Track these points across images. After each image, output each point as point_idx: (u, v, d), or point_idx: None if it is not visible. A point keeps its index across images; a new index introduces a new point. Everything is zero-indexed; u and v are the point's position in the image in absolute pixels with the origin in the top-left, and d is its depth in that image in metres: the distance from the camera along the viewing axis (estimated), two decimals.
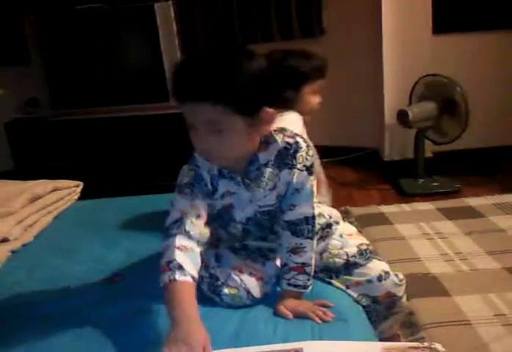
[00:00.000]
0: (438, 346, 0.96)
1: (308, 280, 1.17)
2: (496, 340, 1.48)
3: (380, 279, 1.25)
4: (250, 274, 1.20)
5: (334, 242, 1.31)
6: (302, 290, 1.17)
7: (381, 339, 1.25)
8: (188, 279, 1.01)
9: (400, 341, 1.43)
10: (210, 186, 1.14)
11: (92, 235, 1.66)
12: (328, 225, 1.32)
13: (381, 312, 1.29)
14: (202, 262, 1.08)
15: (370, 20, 3.18)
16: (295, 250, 1.17)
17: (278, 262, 1.27)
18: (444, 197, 2.74)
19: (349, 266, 1.28)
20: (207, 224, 1.13)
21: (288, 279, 1.17)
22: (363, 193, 2.99)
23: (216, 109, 0.98)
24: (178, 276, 1.00)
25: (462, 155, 3.16)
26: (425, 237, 2.26)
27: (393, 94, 3.16)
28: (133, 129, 3.17)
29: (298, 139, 1.15)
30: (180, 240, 1.06)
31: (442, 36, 3.08)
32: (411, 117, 2.81)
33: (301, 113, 1.59)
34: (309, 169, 1.15)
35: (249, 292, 1.17)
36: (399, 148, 3.25)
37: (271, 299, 1.18)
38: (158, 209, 1.72)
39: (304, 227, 1.17)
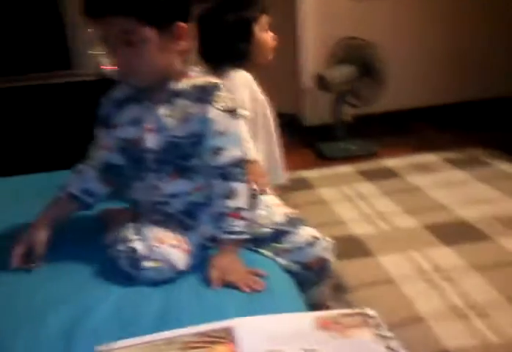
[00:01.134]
0: (369, 311, 0.94)
1: (245, 227, 1.12)
2: (420, 296, 1.52)
3: (310, 244, 1.23)
4: (173, 246, 1.12)
5: (260, 212, 1.25)
6: (240, 237, 1.12)
7: (312, 306, 1.23)
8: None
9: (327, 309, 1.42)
10: (112, 114, 1.17)
11: None
12: (253, 195, 1.27)
13: (312, 278, 1.27)
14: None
15: None
16: (228, 194, 1.11)
17: (202, 229, 1.20)
18: (363, 159, 2.78)
19: (278, 235, 1.24)
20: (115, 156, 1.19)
21: (225, 227, 1.11)
22: (284, 158, 2.96)
23: (129, 20, 0.99)
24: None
25: (380, 117, 3.21)
26: (347, 199, 2.29)
27: (311, 58, 3.13)
28: (32, 99, 2.93)
29: (221, 83, 1.12)
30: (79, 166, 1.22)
31: None
32: (329, 81, 2.81)
33: (262, 58, 1.59)
34: (234, 113, 1.11)
35: (172, 264, 1.09)
36: (318, 112, 3.25)
37: (196, 271, 1.12)
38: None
39: (236, 170, 1.12)
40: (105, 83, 2.93)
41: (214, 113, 1.09)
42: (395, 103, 3.20)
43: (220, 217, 1.12)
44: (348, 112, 3.11)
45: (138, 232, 1.14)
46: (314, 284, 1.29)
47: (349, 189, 2.38)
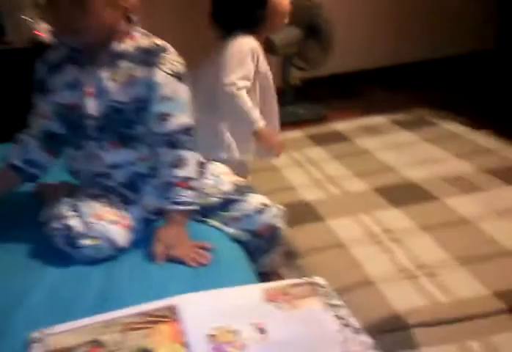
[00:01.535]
0: (319, 280, 0.92)
1: (194, 197, 1.07)
2: (370, 259, 1.52)
3: (258, 212, 1.20)
4: (112, 221, 1.07)
5: (207, 181, 1.21)
6: (188, 208, 1.07)
7: (262, 274, 1.21)
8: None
9: (279, 278, 1.40)
10: (49, 79, 1.09)
11: None
12: (201, 164, 1.21)
13: (263, 246, 1.24)
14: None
15: None
16: (176, 163, 1.06)
17: (146, 203, 1.14)
18: (312, 124, 2.75)
19: (226, 203, 1.20)
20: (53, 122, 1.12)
21: (172, 198, 1.06)
22: None
23: None
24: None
25: (327, 80, 3.17)
26: (297, 164, 2.26)
27: None
28: None
29: (168, 45, 1.06)
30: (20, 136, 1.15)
31: None
32: (275, 43, 2.72)
33: (277, 24, 1.62)
34: (180, 76, 1.05)
35: (111, 241, 1.04)
36: None
37: (139, 247, 1.07)
38: None
39: (184, 138, 1.06)
40: (41, 49, 2.77)
41: (161, 76, 1.02)
42: (342, 66, 3.15)
43: (167, 187, 1.07)
44: (296, 75, 3.05)
45: (74, 208, 1.08)
46: (264, 252, 1.26)
47: (299, 154, 2.35)
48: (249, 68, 1.55)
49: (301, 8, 2.80)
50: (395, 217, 1.74)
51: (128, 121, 1.07)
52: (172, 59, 1.05)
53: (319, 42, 2.80)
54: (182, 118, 1.06)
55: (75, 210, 1.07)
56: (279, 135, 1.71)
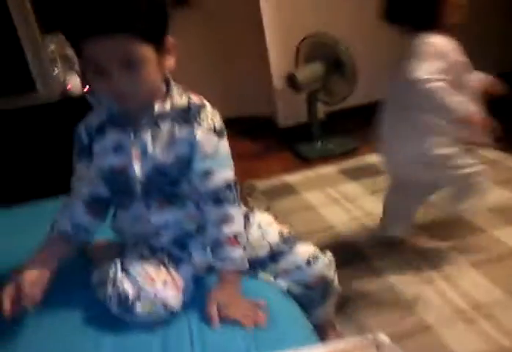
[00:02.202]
0: (383, 338, 0.89)
1: (244, 254, 1.06)
2: (422, 300, 1.47)
3: (309, 263, 1.17)
4: (165, 283, 1.06)
5: (254, 233, 1.18)
6: (239, 265, 1.06)
7: (316, 326, 1.17)
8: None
9: (335, 330, 1.36)
10: (93, 143, 1.09)
11: None
12: (245, 216, 1.20)
13: (315, 298, 1.21)
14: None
15: None
16: (223, 220, 1.05)
17: (195, 261, 1.13)
18: (344, 158, 2.74)
19: (274, 256, 1.18)
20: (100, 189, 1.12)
21: (223, 256, 1.04)
22: (264, 163, 2.91)
23: (129, 38, 0.90)
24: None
25: (352, 112, 3.17)
26: (334, 202, 2.23)
27: (279, 58, 3.06)
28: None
29: (205, 102, 1.06)
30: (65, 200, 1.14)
31: None
32: (299, 80, 2.75)
33: (452, 19, 1.51)
34: (220, 133, 1.05)
35: (166, 304, 1.02)
36: (292, 113, 3.19)
37: (192, 308, 1.05)
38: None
39: (228, 194, 1.05)
40: (72, 103, 2.82)
41: (200, 134, 1.02)
42: (365, 97, 3.15)
43: (216, 245, 1.05)
44: (321, 110, 3.05)
45: (125, 271, 1.07)
46: (318, 304, 1.23)
47: (334, 191, 2.33)
48: (439, 63, 1.48)
49: (323, 44, 2.83)
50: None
51: (172, 180, 1.07)
52: (210, 115, 1.04)
53: (343, 76, 2.81)
54: (224, 174, 1.05)
55: (126, 273, 1.07)
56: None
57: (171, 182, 1.07)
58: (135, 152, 1.05)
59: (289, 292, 1.16)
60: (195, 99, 1.05)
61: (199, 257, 1.12)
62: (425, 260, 1.68)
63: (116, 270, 1.07)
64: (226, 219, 1.05)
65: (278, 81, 3.07)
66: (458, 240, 1.75)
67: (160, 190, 1.08)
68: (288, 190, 2.41)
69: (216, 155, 1.04)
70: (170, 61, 1.01)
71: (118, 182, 1.09)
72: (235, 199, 1.06)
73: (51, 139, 2.80)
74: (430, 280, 1.57)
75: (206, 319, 1.01)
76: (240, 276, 1.07)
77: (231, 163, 1.07)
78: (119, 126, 1.06)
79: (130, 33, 0.89)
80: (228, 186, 1.05)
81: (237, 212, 1.06)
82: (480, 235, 1.77)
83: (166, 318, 1.02)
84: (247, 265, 1.07)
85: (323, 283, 1.20)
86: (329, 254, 1.23)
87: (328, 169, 2.61)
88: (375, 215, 2.04)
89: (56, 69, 2.85)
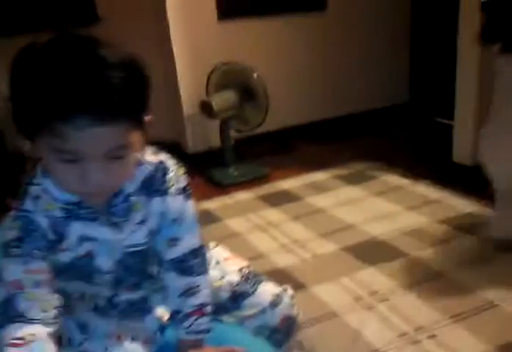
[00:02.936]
0: None
1: (209, 321, 1.00)
2: (367, 327, 1.53)
3: (273, 305, 1.13)
4: (133, 339, 0.98)
5: (213, 272, 1.12)
6: (205, 335, 0.99)
7: None
8: None
9: None
10: (51, 235, 0.86)
11: None
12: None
13: (281, 338, 1.18)
14: (58, 344, 0.84)
15: (154, 8, 2.97)
16: (189, 292, 0.98)
17: (159, 312, 1.06)
18: (257, 183, 2.77)
19: (236, 297, 1.13)
20: (54, 284, 0.86)
21: (187, 327, 0.98)
22: None
23: (129, 129, 0.77)
24: None
25: (263, 138, 3.23)
26: (258, 229, 2.24)
27: (189, 84, 3.04)
28: None
29: (163, 157, 0.93)
30: (13, 331, 0.79)
31: (229, 22, 3.05)
32: (215, 108, 2.74)
33: None
34: (186, 191, 0.96)
35: None
36: (202, 138, 3.17)
37: None
38: None
39: (194, 262, 0.98)
40: None
41: (169, 201, 0.92)
42: (276, 123, 3.24)
43: (179, 316, 0.98)
44: (233, 136, 3.08)
45: (84, 330, 0.98)
46: (284, 342, 1.20)
47: (257, 217, 2.35)
48: None
49: (234, 72, 2.87)
50: (375, 277, 1.77)
51: (143, 259, 0.97)
52: (175, 175, 0.93)
53: (255, 104, 2.86)
54: (189, 240, 0.98)
55: (85, 332, 0.97)
56: None
57: (143, 268, 0.98)
58: (103, 243, 0.91)
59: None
60: (154, 162, 0.92)
61: (162, 309, 1.06)
62: (361, 286, 1.74)
63: (72, 329, 0.96)
64: (191, 291, 0.98)
65: (188, 106, 3.05)
66: (385, 263, 1.85)
67: (130, 278, 0.98)
68: (209, 217, 2.37)
69: (183, 220, 0.96)
70: (145, 140, 0.87)
71: (80, 272, 0.94)
72: (202, 265, 1.00)
73: None
74: (370, 305, 1.63)
75: None
76: (203, 342, 1.00)
77: (197, 226, 0.99)
78: (84, 218, 0.89)
79: (129, 121, 0.76)
80: (193, 252, 0.98)
81: (203, 281, 1.00)
82: (404, 257, 1.89)
83: None
84: (210, 332, 1.00)
85: (289, 323, 1.18)
86: (290, 291, 1.21)
87: (245, 195, 2.62)
88: (302, 241, 2.09)
89: None
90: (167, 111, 3.19)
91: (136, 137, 0.79)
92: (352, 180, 2.66)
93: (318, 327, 1.55)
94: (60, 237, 0.87)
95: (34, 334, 0.79)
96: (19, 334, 0.79)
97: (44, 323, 0.81)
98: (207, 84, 2.94)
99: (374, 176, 2.68)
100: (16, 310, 0.81)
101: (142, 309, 1.03)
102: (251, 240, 2.14)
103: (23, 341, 0.78)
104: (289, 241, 2.10)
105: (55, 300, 0.85)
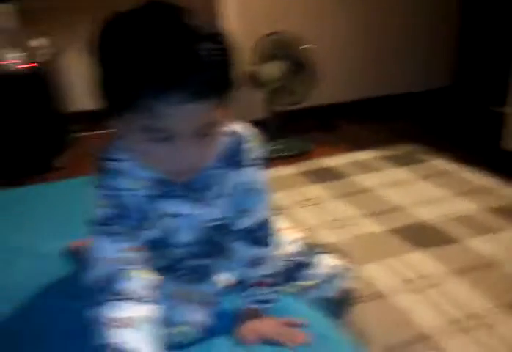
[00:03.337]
0: None
1: (273, 292, 0.98)
2: (415, 311, 1.48)
3: (331, 277, 1.11)
4: (191, 301, 0.96)
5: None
6: (267, 306, 0.97)
7: None
8: None
9: None
10: (137, 214, 0.86)
11: None
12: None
13: (336, 311, 1.15)
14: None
15: None
16: (255, 262, 0.96)
17: (221, 277, 1.04)
18: (300, 158, 2.72)
19: (294, 268, 1.10)
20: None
21: (250, 297, 0.96)
22: None
23: (218, 105, 0.74)
24: None
25: (307, 113, 3.16)
26: (300, 205, 2.20)
27: (240, 54, 2.97)
28: None
29: (239, 126, 0.90)
30: (116, 311, 0.78)
31: None
32: (262, 78, 2.68)
33: None
34: (260, 161, 0.92)
35: (197, 324, 0.93)
36: (245, 110, 3.10)
37: (222, 324, 0.96)
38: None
39: (262, 234, 0.96)
40: (9, 80, 2.57)
41: (246, 173, 0.90)
42: (321, 98, 3.15)
43: (243, 285, 0.97)
44: (279, 109, 3.01)
45: None
46: (338, 315, 1.17)
47: (298, 193, 2.30)
48: None
49: (284, 42, 2.79)
50: (425, 261, 1.72)
51: (224, 231, 0.96)
52: (253, 146, 0.91)
53: (303, 77, 2.79)
54: (260, 211, 0.95)
55: None
56: None
57: (222, 233, 0.96)
58: (185, 219, 0.91)
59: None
60: (231, 133, 0.89)
61: (223, 275, 1.04)
62: (410, 269, 1.69)
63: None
64: (257, 261, 0.96)
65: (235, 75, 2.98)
66: (435, 248, 1.79)
67: (208, 243, 0.97)
68: None
69: (257, 190, 0.93)
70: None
71: (158, 247, 0.93)
72: (269, 236, 0.97)
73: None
74: (419, 288, 1.58)
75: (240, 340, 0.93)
76: (265, 310, 0.98)
77: (267, 197, 0.96)
78: (168, 196, 0.88)
79: (219, 96, 0.73)
80: (262, 223, 0.95)
81: (269, 252, 0.97)
82: (454, 244, 1.82)
83: (196, 337, 0.92)
84: (274, 301, 0.98)
85: (346, 295, 1.15)
86: (348, 263, 1.18)
87: (287, 170, 2.57)
88: (346, 220, 2.04)
89: None
90: None
91: (222, 113, 0.77)
92: (399, 161, 2.58)
93: (364, 306, 1.50)
94: (145, 215, 0.86)
95: (137, 315, 0.79)
96: (123, 314, 0.78)
97: (144, 301, 0.81)
98: (255, 54, 2.87)
99: (421, 159, 2.60)
100: (116, 288, 0.80)
101: (204, 274, 1.01)
102: (294, 215, 2.10)
103: (127, 322, 0.77)
104: (332, 219, 2.05)
105: (152, 277, 0.84)
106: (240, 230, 0.94)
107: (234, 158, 0.88)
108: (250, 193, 0.92)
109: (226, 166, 0.88)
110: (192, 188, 0.87)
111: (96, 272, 0.81)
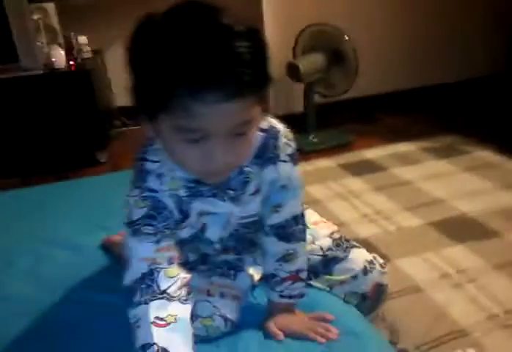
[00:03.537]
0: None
1: (305, 287, 1.00)
2: (454, 305, 1.46)
3: (365, 271, 1.11)
4: (222, 295, 0.99)
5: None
6: (298, 300, 0.99)
7: None
8: None
9: None
10: (177, 213, 0.87)
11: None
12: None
13: (369, 306, 1.15)
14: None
15: None
16: (287, 257, 0.97)
17: (250, 271, 1.06)
18: (339, 151, 2.70)
19: (328, 262, 1.11)
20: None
21: (281, 291, 0.97)
22: None
23: (254, 103, 0.73)
24: None
25: (347, 105, 3.13)
26: (339, 197, 2.19)
27: (277, 46, 2.96)
28: None
29: (272, 122, 0.91)
30: (155, 309, 0.79)
31: None
32: (302, 70, 2.67)
33: None
34: (294, 157, 0.93)
35: (225, 318, 0.96)
36: (284, 102, 3.12)
37: (250, 318, 0.98)
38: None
39: (294, 229, 0.97)
40: (55, 76, 2.65)
41: (280, 168, 0.90)
42: (360, 90, 3.11)
43: (275, 279, 0.98)
44: (318, 101, 3.00)
45: None
46: (370, 311, 1.17)
47: (338, 186, 2.29)
48: None
49: (324, 34, 2.77)
50: (463, 255, 1.69)
51: (256, 227, 0.98)
52: (284, 141, 0.90)
53: (343, 69, 2.76)
54: (293, 207, 0.96)
55: None
56: None
57: (255, 229, 0.98)
58: (220, 216, 0.92)
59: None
60: (265, 129, 0.88)
61: (254, 269, 1.06)
62: (448, 263, 1.66)
63: None
64: (289, 256, 0.97)
65: (274, 68, 2.98)
66: (474, 242, 1.75)
67: (241, 239, 0.99)
68: None
69: (289, 187, 0.94)
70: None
71: (191, 243, 0.97)
72: (302, 232, 0.98)
73: (35, 112, 2.62)
74: (457, 283, 1.56)
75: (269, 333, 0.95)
76: (294, 307, 1.00)
77: (300, 193, 0.97)
78: (205, 195, 0.89)
79: (255, 95, 0.72)
80: (295, 219, 0.97)
81: (301, 247, 0.99)
82: (495, 237, 1.78)
83: (225, 331, 0.96)
84: (304, 295, 1.00)
85: (379, 290, 1.14)
86: (380, 259, 1.18)
87: (326, 163, 2.56)
88: (385, 213, 2.02)
89: (39, 40, 2.66)
90: None
91: (257, 111, 0.76)
92: (440, 153, 2.53)
93: (401, 301, 1.50)
94: (184, 215, 0.88)
95: (176, 314, 0.80)
96: (162, 314, 0.79)
97: (181, 300, 0.82)
98: (295, 46, 2.86)
99: (464, 150, 2.54)
100: (154, 287, 0.81)
101: (235, 267, 1.04)
102: (331, 209, 2.09)
103: (166, 321, 0.79)
104: (371, 212, 2.04)
105: (186, 276, 0.86)
106: (272, 225, 0.96)
107: (269, 154, 0.89)
108: (284, 189, 0.93)
109: (261, 163, 0.89)
110: (228, 187, 0.89)
111: (132, 272, 0.83)
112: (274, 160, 0.89)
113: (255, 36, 0.72)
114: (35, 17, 2.66)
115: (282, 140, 0.90)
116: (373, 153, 2.62)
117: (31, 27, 2.58)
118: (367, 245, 1.78)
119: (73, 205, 1.55)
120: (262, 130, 0.87)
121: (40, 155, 2.70)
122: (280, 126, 0.92)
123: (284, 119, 3.03)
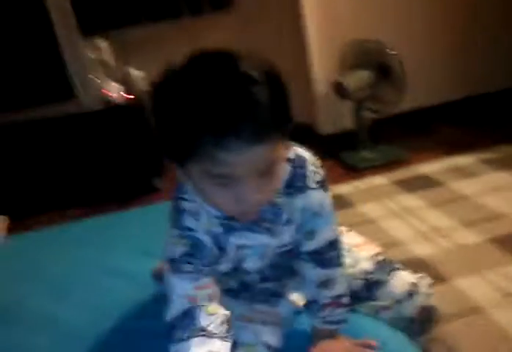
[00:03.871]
0: None
1: (346, 312, 0.98)
2: None
3: (410, 295, 1.08)
4: (263, 322, 0.98)
5: (345, 260, 1.07)
6: (340, 326, 0.97)
7: None
8: None
9: None
10: (215, 250, 0.88)
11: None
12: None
13: (417, 330, 1.12)
14: None
15: None
16: (326, 283, 0.96)
17: (294, 297, 1.06)
18: (393, 167, 2.64)
19: (370, 286, 1.09)
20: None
21: (323, 317, 0.96)
22: None
23: (278, 142, 0.75)
24: None
25: (398, 119, 3.07)
26: (393, 215, 2.14)
27: (322, 63, 2.97)
28: (37, 136, 2.73)
29: (298, 150, 0.91)
30: (196, 346, 0.80)
31: None
32: (348, 88, 2.66)
33: None
34: (324, 184, 0.93)
35: (268, 345, 0.95)
36: (333, 119, 3.10)
37: (295, 344, 0.97)
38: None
39: (331, 254, 0.96)
40: (112, 111, 2.77)
41: (310, 196, 0.90)
42: (411, 103, 3.05)
43: (316, 306, 0.97)
44: (368, 117, 2.96)
45: None
46: (419, 335, 1.13)
47: (392, 203, 2.24)
48: None
49: (369, 49, 2.74)
50: None
51: (292, 256, 0.98)
52: (312, 169, 0.90)
53: (391, 84, 2.72)
54: (327, 233, 0.95)
55: None
56: None
57: (290, 258, 0.99)
58: (256, 248, 0.93)
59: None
60: (292, 158, 0.89)
61: (295, 295, 1.05)
62: (506, 278, 1.58)
63: None
64: (328, 282, 0.96)
65: (320, 86, 2.99)
66: None
67: (277, 267, 1.00)
68: (341, 202, 2.31)
69: (322, 212, 0.93)
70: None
71: (229, 275, 0.98)
72: (338, 257, 0.97)
73: (94, 147, 2.76)
74: None
75: None
76: (338, 332, 0.98)
77: (334, 218, 0.97)
78: (241, 230, 0.90)
79: (279, 135, 0.74)
80: (330, 244, 0.96)
81: (340, 272, 0.97)
82: None
83: None
84: (347, 321, 0.98)
85: (426, 313, 1.11)
86: (427, 279, 1.14)
87: (379, 180, 2.51)
88: (443, 230, 1.95)
89: (96, 76, 2.80)
90: (298, 92, 3.14)
91: (282, 149, 0.78)
92: (501, 165, 2.41)
93: (460, 322, 1.43)
94: (222, 251, 0.90)
95: (217, 351, 0.81)
96: (203, 350, 0.80)
97: (221, 337, 0.83)
98: (341, 63, 2.85)
99: None
100: (195, 324, 0.83)
101: (276, 294, 1.03)
102: (386, 227, 2.05)
103: None
104: (428, 229, 1.97)
105: (226, 313, 0.87)
106: (308, 252, 0.95)
107: (298, 184, 0.89)
108: (317, 216, 0.93)
109: (291, 192, 0.89)
110: (262, 219, 0.89)
111: (173, 309, 0.85)
112: (304, 188, 0.89)
113: (273, 80, 0.73)
114: (89, 53, 2.80)
115: (310, 168, 0.90)
116: (429, 168, 2.54)
117: (86, 63, 2.72)
118: (423, 265, 1.73)
119: (130, 234, 1.60)
120: (289, 160, 0.87)
121: (102, 184, 2.82)
122: (306, 154, 0.92)
123: (336, 136, 3.03)
